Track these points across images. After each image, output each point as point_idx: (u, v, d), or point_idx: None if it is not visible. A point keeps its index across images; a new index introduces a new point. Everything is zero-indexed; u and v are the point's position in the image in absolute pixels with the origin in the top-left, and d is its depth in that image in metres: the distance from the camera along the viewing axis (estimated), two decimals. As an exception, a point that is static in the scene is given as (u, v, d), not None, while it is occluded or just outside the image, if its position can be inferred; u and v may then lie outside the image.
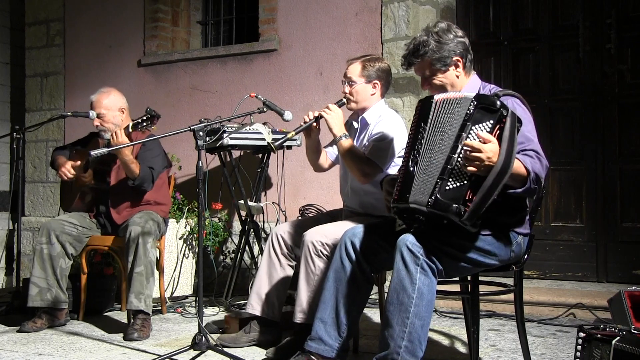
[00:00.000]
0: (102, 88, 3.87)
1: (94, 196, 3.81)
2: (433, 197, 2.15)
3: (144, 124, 3.28)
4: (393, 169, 2.95)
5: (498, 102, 2.16)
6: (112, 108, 3.75)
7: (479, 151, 2.08)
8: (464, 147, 2.13)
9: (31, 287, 3.57)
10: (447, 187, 2.15)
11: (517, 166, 2.17)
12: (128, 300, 3.43)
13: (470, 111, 2.18)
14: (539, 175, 2.24)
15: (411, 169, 2.25)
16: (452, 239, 2.26)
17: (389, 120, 3.04)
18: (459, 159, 2.14)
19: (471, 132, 2.16)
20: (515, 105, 2.39)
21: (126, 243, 3.51)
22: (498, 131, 2.13)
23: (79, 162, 3.76)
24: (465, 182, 2.14)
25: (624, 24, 4.23)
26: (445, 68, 2.48)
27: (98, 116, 3.73)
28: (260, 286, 3.08)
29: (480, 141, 2.11)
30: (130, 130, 3.36)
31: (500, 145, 2.10)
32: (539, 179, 2.25)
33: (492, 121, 2.15)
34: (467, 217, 2.11)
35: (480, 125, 2.16)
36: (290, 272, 3.10)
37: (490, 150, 2.09)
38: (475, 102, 2.19)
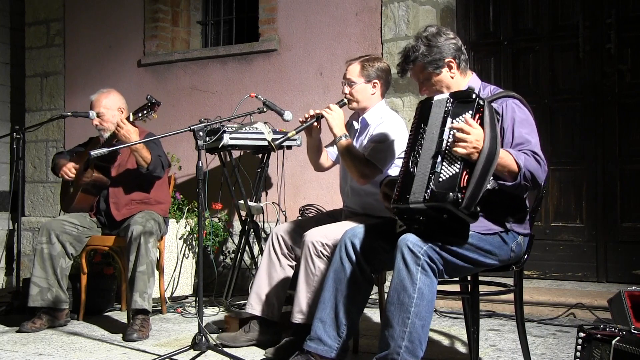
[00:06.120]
0: (102, 88, 3.90)
1: (95, 194, 3.81)
2: (429, 191, 2.15)
3: (145, 111, 3.29)
4: (393, 170, 2.94)
5: (473, 94, 2.20)
6: (111, 107, 3.78)
7: (467, 132, 2.11)
8: (452, 131, 2.16)
9: (31, 286, 3.57)
10: (440, 179, 2.16)
11: (508, 159, 2.21)
12: (132, 300, 3.43)
13: (447, 108, 2.22)
14: (534, 174, 2.24)
15: (411, 169, 2.25)
16: (453, 239, 2.26)
17: (390, 121, 3.03)
18: (447, 145, 2.17)
19: (453, 123, 2.19)
20: (514, 106, 2.39)
21: (128, 242, 3.51)
22: (479, 119, 2.16)
23: (79, 165, 3.78)
24: (457, 169, 2.14)
25: (624, 24, 4.23)
26: (438, 71, 2.48)
27: (97, 115, 3.76)
28: (260, 286, 3.08)
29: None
30: (132, 119, 3.37)
31: (484, 130, 2.13)
32: (535, 178, 2.25)
33: (470, 111, 2.18)
34: (465, 205, 2.10)
35: (460, 117, 2.19)
36: (290, 272, 3.09)
37: (475, 134, 2.11)
38: (451, 99, 2.24)
